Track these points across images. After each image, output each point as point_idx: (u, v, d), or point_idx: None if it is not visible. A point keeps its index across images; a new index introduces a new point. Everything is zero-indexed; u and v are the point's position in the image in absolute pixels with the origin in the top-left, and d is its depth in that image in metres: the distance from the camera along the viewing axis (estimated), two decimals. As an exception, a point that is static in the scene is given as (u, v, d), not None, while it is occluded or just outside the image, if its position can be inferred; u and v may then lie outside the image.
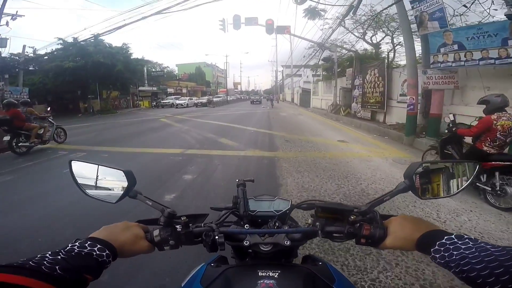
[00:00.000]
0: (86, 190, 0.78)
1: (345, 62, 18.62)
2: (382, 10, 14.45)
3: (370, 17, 15.46)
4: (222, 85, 69.69)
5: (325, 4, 13.58)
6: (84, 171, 0.79)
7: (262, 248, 0.71)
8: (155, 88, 38.76)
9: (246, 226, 0.77)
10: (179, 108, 30.12)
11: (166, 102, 33.54)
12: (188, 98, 35.94)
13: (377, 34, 17.28)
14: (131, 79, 27.15)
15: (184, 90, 49.28)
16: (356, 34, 18.01)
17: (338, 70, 16.71)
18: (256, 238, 0.72)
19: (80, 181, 0.78)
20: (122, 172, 0.74)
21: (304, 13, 14.41)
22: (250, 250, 0.76)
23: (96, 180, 0.79)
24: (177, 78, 51.12)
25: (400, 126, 9.61)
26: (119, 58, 23.85)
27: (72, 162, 0.79)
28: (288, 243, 0.71)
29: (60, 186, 4.26)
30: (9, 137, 6.54)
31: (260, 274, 0.64)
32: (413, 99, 7.81)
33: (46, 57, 22.63)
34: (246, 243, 0.71)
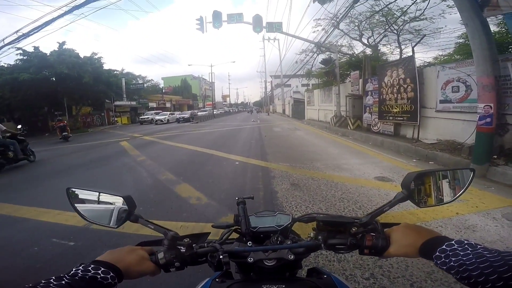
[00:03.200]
0: (86, 216, 0.78)
1: (344, 65, 16.09)
2: (387, 5, 12.27)
3: (370, 13, 13.18)
4: (209, 98, 67.23)
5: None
6: (83, 197, 0.80)
7: (266, 263, 0.72)
8: (133, 103, 35.46)
9: (249, 243, 0.78)
10: (159, 125, 26.94)
11: (145, 118, 30.17)
12: (169, 113, 32.59)
13: (374, 35, 15.13)
14: (104, 92, 24.20)
15: (168, 104, 46.24)
16: (352, 35, 15.85)
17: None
18: (260, 255, 0.73)
19: (79, 207, 0.79)
20: (121, 198, 0.76)
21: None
22: (254, 265, 0.75)
23: (96, 206, 0.79)
24: (162, 91, 48.43)
25: (447, 145, 6.71)
26: (87, 69, 21.03)
27: (70, 189, 0.80)
28: (292, 257, 0.72)
29: None
30: None
31: None
32: (490, 107, 4.90)
33: (2, 70, 19.77)
34: (250, 259, 0.72)
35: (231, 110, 61.74)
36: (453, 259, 0.52)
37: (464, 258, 0.50)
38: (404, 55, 12.68)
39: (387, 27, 13.31)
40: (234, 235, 0.86)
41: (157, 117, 29.43)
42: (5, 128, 7.80)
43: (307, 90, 23.72)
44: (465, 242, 0.54)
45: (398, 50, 14.61)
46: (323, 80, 18.33)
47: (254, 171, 5.92)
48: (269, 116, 35.47)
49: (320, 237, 0.74)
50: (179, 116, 31.61)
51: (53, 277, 0.49)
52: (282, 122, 22.71)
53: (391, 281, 2.13)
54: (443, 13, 11.67)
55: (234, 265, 0.83)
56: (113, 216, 0.77)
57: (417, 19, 12.25)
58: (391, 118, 9.05)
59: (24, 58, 20.08)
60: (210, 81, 56.75)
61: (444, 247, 0.54)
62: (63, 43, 21.51)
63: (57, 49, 21.00)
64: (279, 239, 0.78)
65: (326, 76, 14.94)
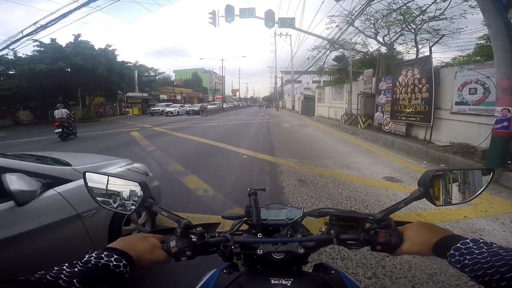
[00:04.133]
0: (101, 201, 0.78)
1: (358, 63, 15.79)
2: (406, 3, 11.90)
3: (387, 11, 12.81)
4: (219, 92, 67.32)
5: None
6: (98, 182, 0.79)
7: (275, 256, 0.71)
8: (145, 94, 35.84)
9: (259, 235, 0.77)
10: (169, 116, 27.17)
11: (155, 110, 30.45)
12: (179, 105, 32.83)
13: (390, 33, 14.72)
14: (117, 83, 24.55)
15: (179, 97, 46.50)
16: (367, 33, 15.47)
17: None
18: (269, 247, 0.72)
19: (95, 191, 0.79)
20: (137, 183, 0.75)
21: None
22: (262, 258, 0.75)
23: (112, 191, 0.78)
24: (173, 84, 48.73)
25: (460, 148, 6.55)
26: (101, 61, 21.47)
27: (87, 173, 0.79)
28: (302, 251, 0.71)
29: None
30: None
31: (273, 282, 0.65)
32: (508, 111, 4.74)
33: (20, 60, 20.32)
34: (259, 251, 0.71)
35: (240, 104, 61.69)
36: (467, 257, 0.51)
37: (479, 257, 0.50)
38: (421, 55, 12.30)
39: (404, 26, 12.90)
40: (243, 227, 0.85)
41: (168, 109, 29.66)
42: (68, 112, 11.58)
43: (318, 87, 23.47)
44: (481, 240, 0.54)
45: (415, 49, 14.19)
46: (335, 77, 18.05)
47: (261, 166, 5.92)
48: (278, 112, 35.31)
49: (332, 231, 0.72)
50: (189, 108, 31.77)
51: (66, 264, 0.49)
52: (291, 118, 22.58)
53: (393, 282, 2.11)
54: (464, 13, 11.23)
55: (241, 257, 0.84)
56: (127, 202, 0.77)
57: (437, 18, 11.82)
58: (403, 118, 8.87)
59: (41, 49, 20.44)
60: (221, 75, 56.70)
61: (459, 245, 0.54)
62: (79, 35, 21.92)
63: (73, 41, 21.42)
64: (289, 232, 0.78)
65: (338, 73, 14.71)
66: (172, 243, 0.68)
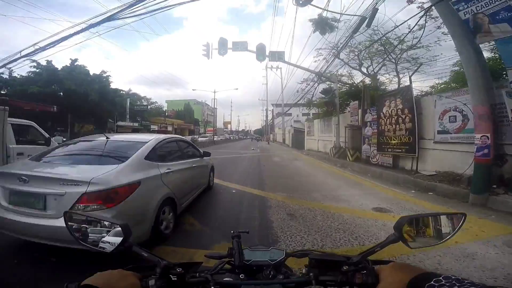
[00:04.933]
0: (82, 240, 0.80)
1: (344, 96, 16.45)
2: (385, 34, 12.81)
3: (369, 42, 13.65)
4: (211, 124, 68.00)
5: (333, 12, 11.34)
6: (80, 221, 0.81)
7: None
8: (136, 124, 35.69)
9: (241, 276, 0.79)
10: (159, 149, 26.77)
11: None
12: (169, 137, 32.52)
13: (373, 64, 15.56)
14: (109, 111, 24.38)
15: (170, 128, 46.52)
16: (352, 65, 16.29)
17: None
18: None
19: (76, 232, 0.81)
20: (118, 225, 0.78)
21: (313, 25, 12.00)
22: None
23: (92, 231, 0.80)
24: (165, 114, 48.98)
25: (446, 176, 6.66)
26: (94, 87, 21.54)
27: (68, 213, 0.83)
28: None
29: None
30: None
31: None
32: (487, 138, 4.94)
33: (14, 80, 20.17)
34: None
35: (231, 137, 62.00)
36: None
37: None
38: (402, 84, 12.93)
39: (385, 56, 13.66)
40: (227, 266, 0.86)
41: (157, 141, 29.26)
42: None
43: (307, 120, 24.09)
44: (453, 277, 0.55)
45: (396, 79, 14.88)
46: (323, 110, 18.62)
47: (250, 200, 5.80)
48: (269, 145, 35.60)
49: (311, 274, 0.75)
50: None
51: None
52: (281, 151, 22.74)
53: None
54: (438, 40, 11.92)
55: None
56: (109, 242, 0.78)
57: (414, 47, 12.57)
58: (389, 150, 9.06)
59: (36, 71, 20.43)
60: (213, 106, 57.58)
61: (432, 282, 0.55)
62: (75, 60, 22.22)
63: (69, 65, 21.44)
64: (272, 273, 0.80)
65: (326, 106, 15.21)
66: (151, 282, 0.68)
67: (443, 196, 5.83)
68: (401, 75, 14.45)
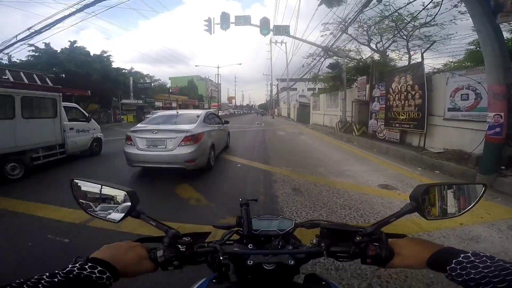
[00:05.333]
0: (88, 210, 0.77)
1: (351, 71, 15.96)
2: (397, 10, 12.12)
3: (380, 18, 13.02)
4: (215, 99, 67.39)
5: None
6: (86, 189, 0.78)
7: (265, 267, 0.71)
8: (140, 101, 35.62)
9: (250, 246, 0.78)
10: (163, 124, 26.88)
11: (149, 117, 30.03)
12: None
13: (382, 40, 14.93)
14: (112, 90, 24.39)
15: (174, 104, 46.31)
16: (360, 40, 15.67)
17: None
18: (260, 258, 0.71)
19: (82, 200, 0.77)
20: (125, 192, 0.74)
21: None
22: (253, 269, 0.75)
23: (99, 199, 0.77)
24: (169, 91, 48.69)
25: (454, 154, 6.56)
26: (95, 67, 21.52)
27: (74, 180, 0.77)
28: (292, 262, 0.71)
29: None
30: None
31: None
32: (500, 117, 4.76)
33: (14, 65, 20.15)
34: (249, 262, 0.70)
35: (236, 112, 61.69)
36: (472, 271, 0.50)
37: (486, 271, 0.49)
38: (413, 61, 12.47)
39: (396, 33, 13.09)
40: (235, 236, 0.85)
41: (162, 117, 29.31)
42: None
43: (313, 95, 23.64)
44: (482, 254, 0.52)
45: (407, 56, 14.41)
46: (329, 84, 18.19)
47: (255, 174, 5.84)
48: (274, 120, 35.40)
49: (322, 244, 0.72)
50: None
51: (47, 273, 0.47)
52: (286, 125, 22.61)
53: (389, 294, 2.04)
54: (454, 19, 11.45)
55: (232, 267, 0.82)
56: (115, 210, 0.76)
57: (427, 25, 12.04)
58: (397, 125, 8.91)
59: (36, 54, 20.40)
60: (216, 82, 56.82)
61: (460, 259, 0.53)
62: (75, 42, 22.02)
63: (68, 47, 21.35)
64: (280, 243, 0.78)
65: (332, 81, 14.82)
66: (160, 253, 0.66)
67: (450, 175, 5.78)
68: (412, 52, 13.94)
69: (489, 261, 0.50)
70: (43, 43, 20.87)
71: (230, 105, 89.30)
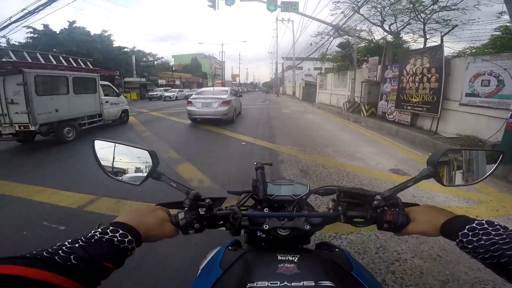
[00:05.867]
0: (109, 171, 0.75)
1: (362, 51, 15.32)
2: None
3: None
4: (219, 77, 66.39)
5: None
6: (107, 150, 0.76)
7: (280, 232, 0.71)
8: (143, 79, 35.11)
9: (265, 210, 0.77)
10: (167, 101, 26.63)
11: (153, 94, 29.84)
12: (177, 90, 32.16)
13: (397, 21, 14.18)
14: (115, 69, 24.01)
15: (178, 82, 45.63)
16: (373, 21, 14.91)
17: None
18: (275, 222, 0.72)
19: (103, 161, 0.74)
20: (146, 152, 0.72)
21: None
22: (264, 236, 0.78)
23: (120, 161, 0.75)
24: (172, 69, 47.96)
25: (467, 140, 6.31)
26: (96, 47, 21.56)
27: (96, 141, 0.75)
28: (308, 227, 0.71)
29: None
30: None
31: (279, 258, 0.63)
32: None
33: (13, 47, 19.75)
34: (265, 226, 0.71)
35: (240, 90, 60.97)
36: (483, 237, 0.50)
37: (497, 238, 0.49)
38: (428, 45, 11.86)
39: (413, 15, 12.36)
40: (249, 203, 0.85)
41: (166, 94, 28.96)
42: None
43: (320, 74, 22.95)
44: (496, 222, 0.52)
45: (421, 39, 13.84)
46: (338, 64, 17.60)
47: (261, 153, 5.68)
48: (279, 98, 34.84)
49: (339, 208, 0.72)
50: (187, 93, 31.17)
51: (69, 240, 0.47)
52: (291, 104, 22.22)
53: (404, 289, 1.92)
54: (478, 4, 10.75)
55: (245, 236, 0.85)
56: (136, 172, 0.75)
57: (447, 8, 11.34)
58: (409, 107, 8.57)
59: (34, 36, 20.16)
60: (221, 59, 55.58)
61: (474, 225, 0.52)
62: (74, 22, 21.61)
63: (67, 27, 21.03)
64: (295, 209, 0.78)
65: (342, 60, 14.25)
66: (181, 215, 0.67)
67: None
68: (428, 36, 13.26)
69: (501, 229, 0.50)
70: (41, 24, 20.57)
71: (234, 82, 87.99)
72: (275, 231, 0.71)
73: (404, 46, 14.07)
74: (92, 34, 22.23)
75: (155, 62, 41.78)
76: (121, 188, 3.74)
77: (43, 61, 8.05)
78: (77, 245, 0.46)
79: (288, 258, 0.63)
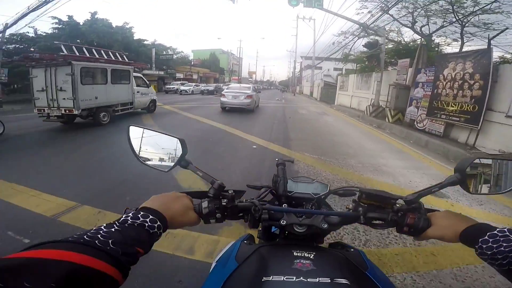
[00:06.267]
0: (141, 157, 0.79)
1: (390, 52, 14.35)
2: None
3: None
4: (236, 73, 66.30)
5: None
6: (140, 137, 0.80)
7: (296, 229, 0.71)
8: (161, 72, 35.16)
9: (284, 206, 0.79)
10: (183, 95, 26.55)
11: (170, 88, 30.11)
12: (194, 84, 32.03)
13: (429, 23, 13.20)
14: (134, 61, 24.09)
15: (195, 76, 45.61)
16: (403, 22, 13.90)
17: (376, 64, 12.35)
18: (293, 218, 0.71)
19: (136, 147, 0.79)
20: (177, 139, 0.75)
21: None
22: (277, 232, 0.82)
23: (151, 147, 0.80)
24: (190, 63, 48.21)
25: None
26: (117, 39, 22.01)
27: (131, 127, 0.79)
28: (325, 226, 0.70)
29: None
30: None
31: (295, 254, 0.64)
32: None
33: (39, 38, 20.44)
34: (283, 222, 0.71)
35: (256, 87, 60.60)
36: (504, 244, 0.49)
37: None
38: (465, 49, 10.81)
39: (450, 17, 11.37)
40: (268, 197, 0.85)
41: (182, 88, 28.91)
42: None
43: (341, 74, 21.95)
44: None
45: (455, 43, 12.90)
46: (361, 65, 16.69)
47: (273, 161, 4.99)
48: (295, 97, 34.03)
49: (360, 208, 0.71)
50: (203, 88, 30.93)
51: (104, 224, 0.48)
52: (308, 104, 21.45)
53: None
54: None
55: (259, 232, 0.85)
56: (165, 159, 0.78)
57: (490, 11, 10.24)
58: (443, 116, 7.66)
59: (59, 26, 20.62)
60: (238, 56, 55.26)
61: (495, 232, 0.51)
62: (95, 12, 21.92)
63: (89, 19, 21.56)
64: (314, 208, 0.80)
65: (367, 61, 13.34)
66: (204, 204, 0.68)
67: None
68: (465, 39, 12.18)
69: None
70: (66, 15, 21.30)
71: (251, 79, 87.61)
72: (291, 227, 0.70)
73: (436, 49, 13.06)
74: (114, 26, 22.56)
75: (175, 56, 41.81)
76: (109, 193, 3.29)
77: (88, 55, 8.71)
78: (113, 229, 0.46)
79: (304, 254, 0.63)
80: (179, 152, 0.74)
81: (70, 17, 20.90)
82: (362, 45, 13.10)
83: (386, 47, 13.27)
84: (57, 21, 20.32)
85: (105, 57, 9.63)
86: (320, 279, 0.55)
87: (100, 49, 10.74)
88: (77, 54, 8.41)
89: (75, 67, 7.25)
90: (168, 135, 0.76)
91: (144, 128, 0.78)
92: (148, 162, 0.77)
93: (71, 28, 20.38)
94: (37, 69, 7.58)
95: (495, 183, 0.70)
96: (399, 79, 10.88)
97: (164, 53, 38.06)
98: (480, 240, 0.51)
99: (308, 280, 0.55)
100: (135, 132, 0.79)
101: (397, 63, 11.12)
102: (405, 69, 10.48)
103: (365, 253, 0.73)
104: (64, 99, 7.35)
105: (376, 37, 12.17)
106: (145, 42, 27.44)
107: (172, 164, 0.74)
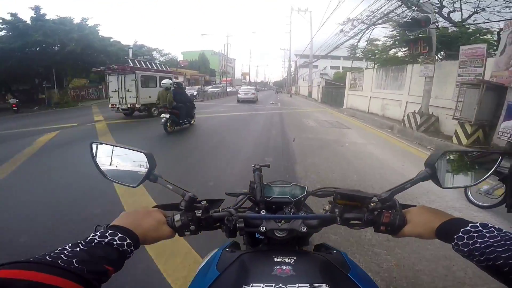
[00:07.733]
0: (107, 174, 0.76)
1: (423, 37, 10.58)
2: None
3: None
4: (229, 74, 63.16)
5: None
6: (105, 153, 0.77)
7: (277, 234, 0.70)
8: (138, 76, 31.23)
9: (263, 212, 0.77)
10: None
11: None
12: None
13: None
14: (101, 63, 20.69)
15: (181, 78, 41.64)
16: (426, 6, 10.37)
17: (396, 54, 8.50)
18: (272, 224, 0.71)
19: (101, 164, 0.76)
20: (143, 154, 0.73)
21: None
22: (263, 237, 0.78)
23: (117, 163, 0.77)
24: (177, 64, 44.76)
25: None
26: (72, 37, 18.08)
27: (93, 144, 0.77)
28: (305, 229, 0.70)
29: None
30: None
31: (276, 260, 0.63)
32: None
33: None
34: (262, 228, 0.70)
35: (257, 88, 58.11)
36: (478, 240, 0.49)
37: (491, 240, 0.48)
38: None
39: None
40: (247, 204, 0.85)
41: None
42: None
43: (352, 70, 18.02)
44: (490, 225, 0.51)
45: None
46: (383, 57, 12.92)
47: None
48: (292, 99, 30.34)
49: (336, 210, 0.71)
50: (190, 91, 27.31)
51: (69, 244, 0.47)
52: (311, 108, 17.69)
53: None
54: None
55: (243, 238, 0.83)
56: (133, 174, 0.74)
57: None
58: None
59: (5, 27, 17.67)
60: (226, 53, 51.76)
61: (468, 228, 0.51)
62: (37, 7, 17.64)
63: (34, 16, 17.90)
64: (292, 211, 0.78)
65: (406, 46, 9.46)
66: (177, 217, 0.66)
67: None
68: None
69: (496, 232, 0.49)
70: (7, 13, 17.56)
71: (244, 81, 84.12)
72: (272, 233, 0.69)
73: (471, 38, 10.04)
74: (70, 23, 19.18)
75: (162, 58, 39.65)
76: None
77: (144, 66, 12.39)
78: (78, 249, 0.46)
79: (284, 260, 0.63)
80: (147, 166, 0.72)
81: (13, 14, 17.34)
82: (399, 25, 9.19)
83: (418, 34, 9.25)
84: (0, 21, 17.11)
85: (155, 68, 13.41)
86: (299, 285, 0.54)
87: (152, 62, 14.83)
88: (138, 65, 11.99)
89: (138, 75, 11.36)
90: (135, 150, 0.74)
91: (108, 144, 0.77)
92: (115, 179, 0.74)
93: (12, 26, 17.26)
94: (112, 76, 11.64)
95: (466, 175, 0.71)
96: (463, 73, 7.00)
97: (147, 54, 34.13)
98: (455, 237, 0.51)
99: (287, 286, 0.53)
100: (99, 149, 0.77)
101: (462, 51, 7.10)
102: (479, 59, 6.60)
103: (347, 254, 0.72)
104: (130, 97, 11.33)
105: (420, 14, 8.16)
106: (113, 41, 23.47)
107: (140, 179, 0.71)
